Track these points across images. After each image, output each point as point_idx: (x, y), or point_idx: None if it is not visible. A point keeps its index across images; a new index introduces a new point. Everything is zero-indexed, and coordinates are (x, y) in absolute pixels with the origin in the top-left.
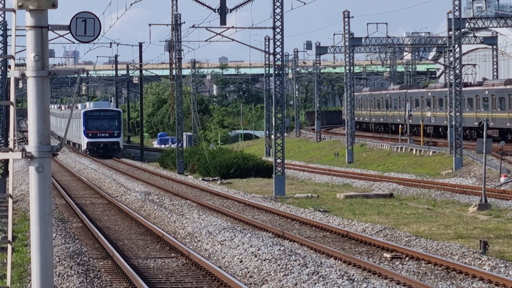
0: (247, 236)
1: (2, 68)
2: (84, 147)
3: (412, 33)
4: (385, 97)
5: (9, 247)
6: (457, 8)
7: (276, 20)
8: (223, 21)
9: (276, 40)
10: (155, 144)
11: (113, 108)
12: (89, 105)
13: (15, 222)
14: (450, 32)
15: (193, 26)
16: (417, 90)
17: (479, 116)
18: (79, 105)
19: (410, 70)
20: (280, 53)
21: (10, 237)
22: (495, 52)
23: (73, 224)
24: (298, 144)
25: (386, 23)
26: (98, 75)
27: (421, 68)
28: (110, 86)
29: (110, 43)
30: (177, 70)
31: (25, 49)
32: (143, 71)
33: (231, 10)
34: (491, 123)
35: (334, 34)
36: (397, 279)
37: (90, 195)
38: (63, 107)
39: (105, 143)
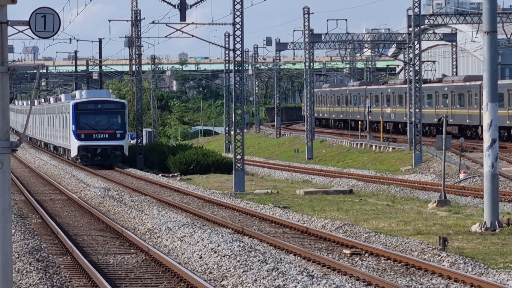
0: (207, 232)
1: None
2: (74, 153)
3: (372, 29)
4: (344, 93)
5: None
6: (416, 4)
7: (236, 16)
8: (183, 17)
9: (236, 36)
10: None
11: (115, 99)
12: (80, 95)
13: None
14: (410, 29)
15: (153, 22)
16: (376, 87)
17: (439, 112)
18: (63, 96)
19: (370, 66)
20: (240, 49)
21: None
22: (454, 49)
23: (33, 220)
24: (258, 140)
25: (346, 20)
26: (58, 70)
27: (380, 64)
28: (69, 81)
29: (70, 39)
30: (136, 66)
31: None
32: (103, 67)
33: (191, 6)
34: (451, 120)
35: (294, 31)
36: (356, 275)
37: (50, 191)
38: (35, 102)
39: (104, 147)
